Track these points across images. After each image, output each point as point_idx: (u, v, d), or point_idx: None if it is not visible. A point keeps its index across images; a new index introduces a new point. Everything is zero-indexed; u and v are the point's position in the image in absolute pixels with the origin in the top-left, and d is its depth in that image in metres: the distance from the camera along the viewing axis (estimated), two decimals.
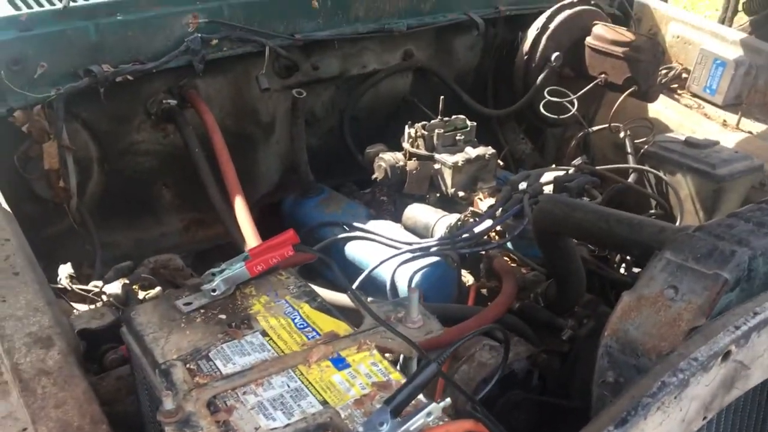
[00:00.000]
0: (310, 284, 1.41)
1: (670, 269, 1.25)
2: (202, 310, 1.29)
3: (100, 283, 1.83)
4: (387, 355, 1.24)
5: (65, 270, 1.84)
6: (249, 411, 1.08)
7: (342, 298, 1.78)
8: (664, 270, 1.26)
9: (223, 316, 1.28)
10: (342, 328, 1.27)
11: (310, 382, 1.14)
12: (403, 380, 1.12)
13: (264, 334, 1.24)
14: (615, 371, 1.25)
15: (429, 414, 1.01)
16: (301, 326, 1.27)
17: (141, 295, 1.80)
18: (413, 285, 2.03)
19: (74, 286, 1.78)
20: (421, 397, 1.06)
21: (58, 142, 2.12)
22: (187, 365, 1.16)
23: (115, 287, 1.78)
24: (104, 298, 1.77)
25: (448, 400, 1.04)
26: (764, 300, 1.13)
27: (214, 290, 1.31)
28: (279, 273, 1.40)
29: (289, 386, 1.13)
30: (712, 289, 1.19)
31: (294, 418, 1.07)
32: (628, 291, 1.28)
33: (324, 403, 1.10)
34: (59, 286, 1.79)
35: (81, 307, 1.74)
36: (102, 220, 2.34)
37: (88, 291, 1.79)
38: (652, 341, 1.20)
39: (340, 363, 1.18)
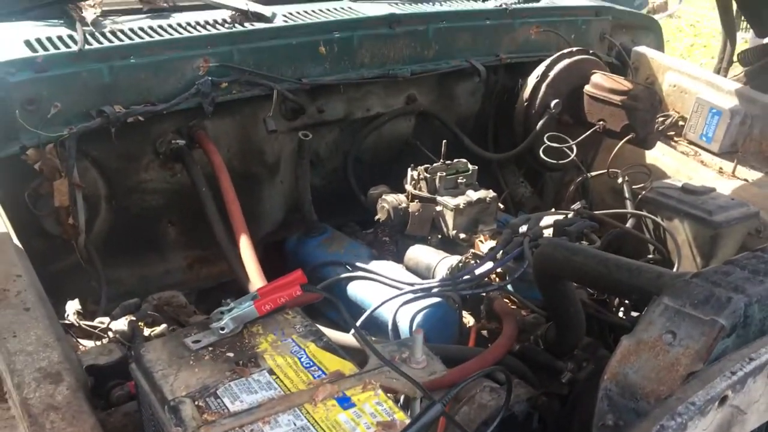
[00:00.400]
0: (316, 324, 1.43)
1: (668, 314, 1.27)
2: (210, 348, 1.32)
3: (106, 319, 1.85)
4: (389, 394, 1.26)
5: (73, 306, 1.86)
6: None
7: (346, 338, 1.80)
8: (662, 315, 1.28)
9: (231, 354, 1.30)
10: (347, 367, 1.29)
11: (316, 421, 1.16)
12: (407, 420, 1.14)
13: (271, 372, 1.27)
14: (614, 414, 1.26)
15: None
16: (308, 365, 1.29)
17: (146, 332, 1.82)
18: (415, 325, 2.05)
19: (81, 322, 1.80)
20: None
21: (69, 180, 2.14)
22: (196, 402, 1.18)
23: (121, 324, 1.80)
24: (110, 334, 1.79)
25: None
26: (759, 346, 1.16)
27: (222, 328, 1.33)
28: (286, 312, 1.42)
29: (295, 424, 1.15)
30: (709, 334, 1.21)
31: None
32: (627, 335, 1.30)
33: None
34: (66, 321, 1.81)
35: (87, 343, 1.76)
36: (108, 257, 2.36)
37: (95, 327, 1.81)
38: (651, 385, 1.21)
39: (345, 402, 1.20)
